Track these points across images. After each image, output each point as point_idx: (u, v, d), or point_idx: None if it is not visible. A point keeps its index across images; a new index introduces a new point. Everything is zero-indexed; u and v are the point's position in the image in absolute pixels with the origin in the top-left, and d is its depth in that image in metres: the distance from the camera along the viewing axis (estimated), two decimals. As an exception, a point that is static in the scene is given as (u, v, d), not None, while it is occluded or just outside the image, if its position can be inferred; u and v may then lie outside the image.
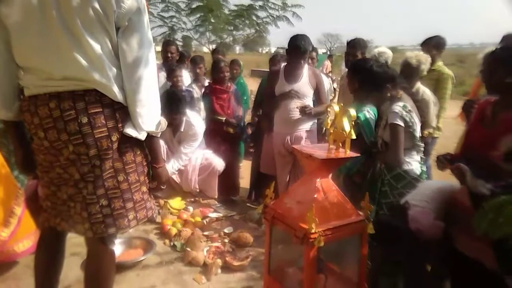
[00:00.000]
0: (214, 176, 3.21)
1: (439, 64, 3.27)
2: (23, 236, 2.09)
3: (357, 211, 1.45)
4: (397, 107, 2.10)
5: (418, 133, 2.18)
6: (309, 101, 2.87)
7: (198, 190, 3.23)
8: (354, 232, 1.43)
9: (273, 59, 3.67)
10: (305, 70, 2.87)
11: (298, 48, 2.76)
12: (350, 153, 1.44)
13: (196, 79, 3.89)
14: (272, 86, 2.93)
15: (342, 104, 1.49)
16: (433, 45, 3.31)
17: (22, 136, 1.48)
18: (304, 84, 2.85)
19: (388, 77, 2.19)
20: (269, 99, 2.97)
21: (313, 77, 2.89)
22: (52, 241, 1.55)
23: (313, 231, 1.28)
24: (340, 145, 1.45)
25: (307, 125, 2.93)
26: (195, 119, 3.21)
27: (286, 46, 2.89)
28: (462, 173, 1.63)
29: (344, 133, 1.42)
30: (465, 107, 2.32)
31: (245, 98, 3.83)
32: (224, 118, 3.45)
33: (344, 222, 1.39)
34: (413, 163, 2.16)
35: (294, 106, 2.82)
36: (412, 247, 1.81)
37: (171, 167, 3.04)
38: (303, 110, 2.76)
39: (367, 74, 2.25)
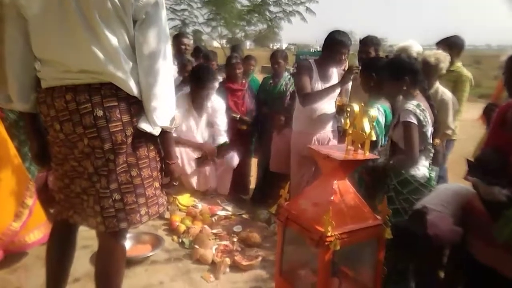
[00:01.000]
0: (229, 172, 3.17)
1: (458, 65, 3.17)
2: (34, 227, 2.10)
3: (374, 215, 1.42)
4: (411, 105, 2.01)
5: (429, 136, 2.09)
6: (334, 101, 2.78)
7: (214, 188, 3.20)
8: (371, 237, 1.39)
9: (274, 56, 3.57)
10: (334, 69, 2.77)
11: (342, 43, 2.58)
12: (369, 155, 1.40)
13: None
14: (308, 78, 2.65)
15: (362, 104, 1.44)
16: (448, 45, 3.19)
17: (38, 128, 1.47)
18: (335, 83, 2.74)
19: (410, 69, 2.09)
20: (308, 90, 2.65)
21: (340, 76, 2.77)
22: (64, 233, 1.54)
23: (329, 234, 1.25)
24: (359, 146, 1.41)
25: (333, 125, 2.83)
26: (214, 95, 3.18)
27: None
28: (473, 185, 1.59)
29: (364, 134, 1.38)
30: (486, 110, 2.25)
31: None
32: (238, 116, 3.41)
33: (361, 226, 1.36)
34: (421, 168, 2.06)
35: (323, 105, 2.69)
36: (426, 253, 1.77)
37: (225, 137, 3.05)
38: (341, 108, 2.63)
39: (388, 64, 2.16)
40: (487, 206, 1.60)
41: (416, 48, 2.92)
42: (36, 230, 2.10)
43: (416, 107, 2.01)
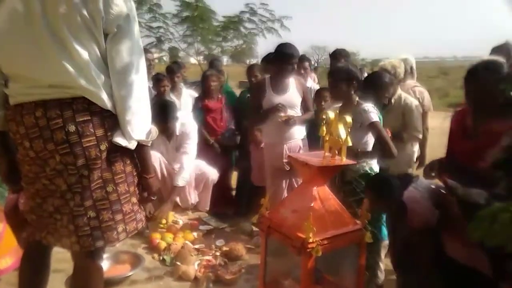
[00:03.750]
0: (208, 188, 3.14)
1: None
2: (5, 253, 1.99)
3: (354, 220, 1.43)
4: (369, 106, 2.16)
5: None
6: (298, 111, 2.82)
7: (195, 205, 3.14)
8: (352, 241, 1.40)
9: (251, 69, 3.62)
10: (292, 80, 2.82)
11: (286, 55, 2.70)
12: (346, 160, 1.42)
13: (173, 87, 3.83)
14: (257, 99, 2.80)
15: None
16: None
17: (7, 146, 1.43)
18: (293, 94, 2.80)
19: (356, 76, 2.26)
20: (255, 112, 2.83)
21: (300, 86, 2.86)
22: (36, 256, 1.48)
23: (310, 240, 1.25)
24: (336, 152, 1.43)
25: (302, 134, 2.87)
26: (185, 118, 3.13)
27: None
28: (451, 188, 1.63)
29: (340, 140, 1.40)
30: None
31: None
32: (212, 141, 3.40)
33: (341, 231, 1.37)
34: (374, 164, 2.22)
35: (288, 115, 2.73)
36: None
37: (187, 177, 2.93)
38: (287, 121, 2.69)
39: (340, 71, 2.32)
40: (463, 209, 1.65)
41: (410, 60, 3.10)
42: (7, 256, 2.00)
43: (372, 107, 2.16)
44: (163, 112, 2.92)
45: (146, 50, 4.03)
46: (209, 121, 3.43)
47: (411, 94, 2.92)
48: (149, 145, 1.46)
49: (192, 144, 3.07)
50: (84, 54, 1.25)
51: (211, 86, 3.43)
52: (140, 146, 1.41)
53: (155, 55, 4.09)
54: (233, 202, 3.55)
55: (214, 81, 3.47)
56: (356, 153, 2.09)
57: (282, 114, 2.69)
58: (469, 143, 1.69)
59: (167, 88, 3.54)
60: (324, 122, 1.47)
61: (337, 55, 3.39)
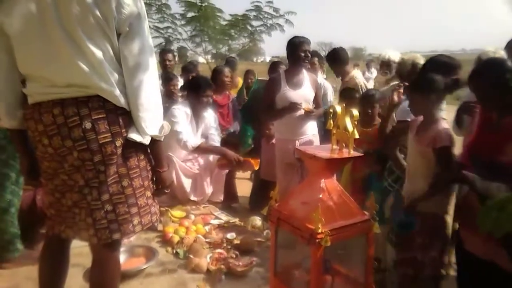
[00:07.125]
0: (221, 178, 3.20)
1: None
2: None
3: (362, 211, 1.46)
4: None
5: None
6: (310, 106, 2.83)
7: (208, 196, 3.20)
8: (360, 232, 1.43)
9: (275, 66, 3.65)
10: (306, 75, 2.85)
11: (297, 42, 2.71)
12: (353, 153, 1.45)
13: None
14: (272, 94, 2.80)
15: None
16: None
17: (26, 144, 1.48)
18: (307, 89, 2.82)
19: None
20: (268, 107, 2.85)
21: (313, 81, 2.88)
22: (56, 248, 1.54)
23: (319, 231, 1.28)
24: (344, 145, 1.46)
25: (314, 130, 2.88)
26: (209, 116, 3.26)
27: (281, 54, 2.86)
28: (469, 181, 1.61)
29: (347, 133, 1.43)
30: (461, 109, 2.31)
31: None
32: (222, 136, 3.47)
33: (349, 222, 1.39)
34: None
35: (299, 111, 2.74)
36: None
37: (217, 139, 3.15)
38: (308, 113, 2.70)
39: None
40: (482, 203, 1.65)
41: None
42: None
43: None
44: (201, 84, 3.03)
45: (167, 51, 4.14)
46: (217, 116, 3.48)
47: None
48: (162, 140, 1.50)
49: (216, 130, 3.23)
50: (98, 54, 1.30)
51: (224, 81, 3.46)
52: (154, 141, 1.45)
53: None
54: (237, 197, 3.60)
55: (226, 76, 3.50)
56: None
57: (303, 106, 2.71)
58: (490, 136, 1.67)
59: (176, 88, 3.60)
60: (331, 115, 1.50)
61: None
